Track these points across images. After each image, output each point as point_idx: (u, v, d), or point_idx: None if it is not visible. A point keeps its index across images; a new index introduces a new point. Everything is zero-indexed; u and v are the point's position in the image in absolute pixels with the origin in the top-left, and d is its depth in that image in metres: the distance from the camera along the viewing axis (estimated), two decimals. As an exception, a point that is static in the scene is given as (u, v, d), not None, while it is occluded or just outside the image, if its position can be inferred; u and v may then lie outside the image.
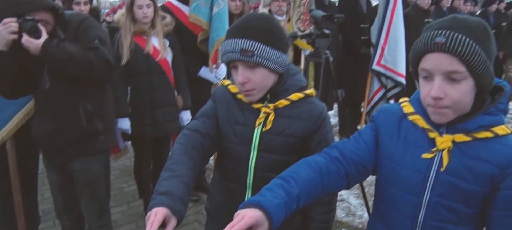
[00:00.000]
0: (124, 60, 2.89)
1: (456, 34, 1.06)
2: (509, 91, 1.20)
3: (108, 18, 8.50)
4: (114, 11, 8.38)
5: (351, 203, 3.85)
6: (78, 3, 3.14)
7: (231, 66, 1.43)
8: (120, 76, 2.92)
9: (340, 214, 3.64)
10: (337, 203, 3.77)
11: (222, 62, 3.23)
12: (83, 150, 2.31)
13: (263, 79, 1.40)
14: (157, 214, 1.14)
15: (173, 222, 1.16)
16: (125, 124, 2.98)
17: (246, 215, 1.04)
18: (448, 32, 1.07)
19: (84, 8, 3.15)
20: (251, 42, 1.34)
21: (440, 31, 1.08)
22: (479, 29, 1.08)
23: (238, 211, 1.07)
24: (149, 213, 1.15)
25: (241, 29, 1.38)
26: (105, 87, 2.39)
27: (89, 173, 2.36)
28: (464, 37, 1.05)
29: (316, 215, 1.56)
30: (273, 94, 1.46)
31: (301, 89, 1.49)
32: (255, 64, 1.36)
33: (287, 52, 1.46)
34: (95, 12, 3.25)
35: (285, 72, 1.47)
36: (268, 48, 1.36)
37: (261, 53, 1.35)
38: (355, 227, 3.45)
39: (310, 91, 1.50)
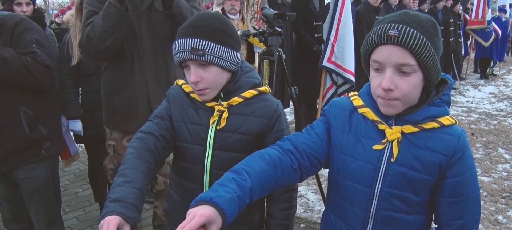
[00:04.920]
0: (74, 61, 2.80)
1: (408, 28, 1.09)
2: (452, 84, 1.25)
3: (57, 20, 8.19)
4: (62, 12, 8.10)
5: (309, 199, 3.90)
6: (20, 4, 2.98)
7: (183, 66, 1.42)
8: (70, 77, 2.86)
9: (298, 210, 3.67)
10: (295, 199, 3.83)
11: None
12: (28, 157, 2.22)
13: (215, 77, 1.40)
14: (110, 223, 1.11)
15: None
16: (77, 126, 2.91)
17: (197, 213, 1.01)
18: (400, 26, 1.10)
19: (27, 9, 2.99)
20: (201, 41, 1.34)
21: (392, 25, 1.11)
22: (429, 25, 1.13)
23: (190, 210, 1.04)
24: (101, 222, 1.12)
25: (191, 28, 1.37)
26: (48, 91, 2.29)
27: (35, 181, 2.28)
28: (415, 32, 1.09)
29: (276, 212, 1.56)
30: (226, 92, 1.45)
31: (255, 86, 1.49)
32: (207, 62, 1.36)
33: (239, 50, 1.46)
34: (39, 13, 3.09)
35: (238, 70, 1.47)
36: (219, 46, 1.36)
37: (212, 52, 1.35)
38: (314, 222, 3.50)
39: (264, 88, 1.50)
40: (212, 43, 1.35)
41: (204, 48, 1.34)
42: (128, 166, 1.31)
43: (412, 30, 1.09)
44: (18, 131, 2.15)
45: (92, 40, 2.10)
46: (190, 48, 1.34)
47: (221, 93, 1.45)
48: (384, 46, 1.12)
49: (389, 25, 1.11)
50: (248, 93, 1.46)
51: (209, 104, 1.46)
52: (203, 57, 1.34)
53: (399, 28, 1.10)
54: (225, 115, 1.43)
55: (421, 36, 1.09)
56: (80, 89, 2.94)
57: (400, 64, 1.11)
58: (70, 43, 2.81)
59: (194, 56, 1.34)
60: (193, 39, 1.34)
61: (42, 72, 2.11)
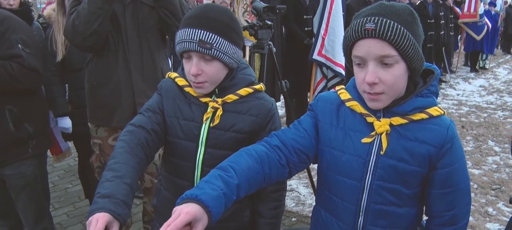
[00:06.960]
0: (59, 57, 2.74)
1: (384, 20, 1.09)
2: (439, 74, 1.25)
3: (45, 13, 8.07)
4: (50, 4, 7.98)
5: (301, 193, 3.90)
6: (6, -3, 2.94)
7: (184, 56, 1.39)
8: (55, 74, 2.79)
9: (289, 203, 3.68)
10: (287, 193, 3.83)
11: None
12: (14, 156, 2.19)
13: (216, 72, 1.38)
14: (98, 221, 1.07)
15: (115, 227, 1.11)
16: (65, 123, 2.85)
17: (183, 211, 1.00)
18: (376, 18, 1.09)
19: (13, 3, 2.94)
20: (210, 34, 1.31)
21: (369, 18, 1.10)
22: (406, 14, 1.12)
23: (175, 207, 1.03)
24: (90, 219, 1.08)
25: (200, 19, 1.34)
26: (34, 89, 2.26)
27: (22, 177, 2.25)
28: (392, 22, 1.08)
29: (265, 211, 1.55)
30: (221, 88, 1.43)
31: (250, 84, 1.47)
32: (212, 57, 1.33)
33: (241, 47, 1.44)
34: (25, 6, 3.04)
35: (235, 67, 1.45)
36: (226, 42, 1.35)
37: (219, 47, 1.33)
38: (305, 216, 3.50)
39: (259, 86, 1.48)
40: (220, 38, 1.33)
41: (212, 42, 1.32)
42: (118, 160, 1.27)
43: (388, 21, 1.09)
44: (3, 129, 2.11)
45: (77, 27, 2.05)
46: (198, 39, 1.31)
47: (216, 89, 1.43)
48: (363, 40, 1.12)
49: (365, 18, 1.11)
50: (243, 91, 1.44)
51: (203, 100, 1.43)
52: (210, 51, 1.32)
53: (376, 21, 1.09)
54: (219, 112, 1.41)
55: (399, 26, 1.08)
56: (67, 85, 2.88)
57: (381, 57, 1.11)
58: (53, 39, 2.75)
59: (201, 49, 1.32)
60: (202, 31, 1.31)
61: (30, 77, 2.07)
